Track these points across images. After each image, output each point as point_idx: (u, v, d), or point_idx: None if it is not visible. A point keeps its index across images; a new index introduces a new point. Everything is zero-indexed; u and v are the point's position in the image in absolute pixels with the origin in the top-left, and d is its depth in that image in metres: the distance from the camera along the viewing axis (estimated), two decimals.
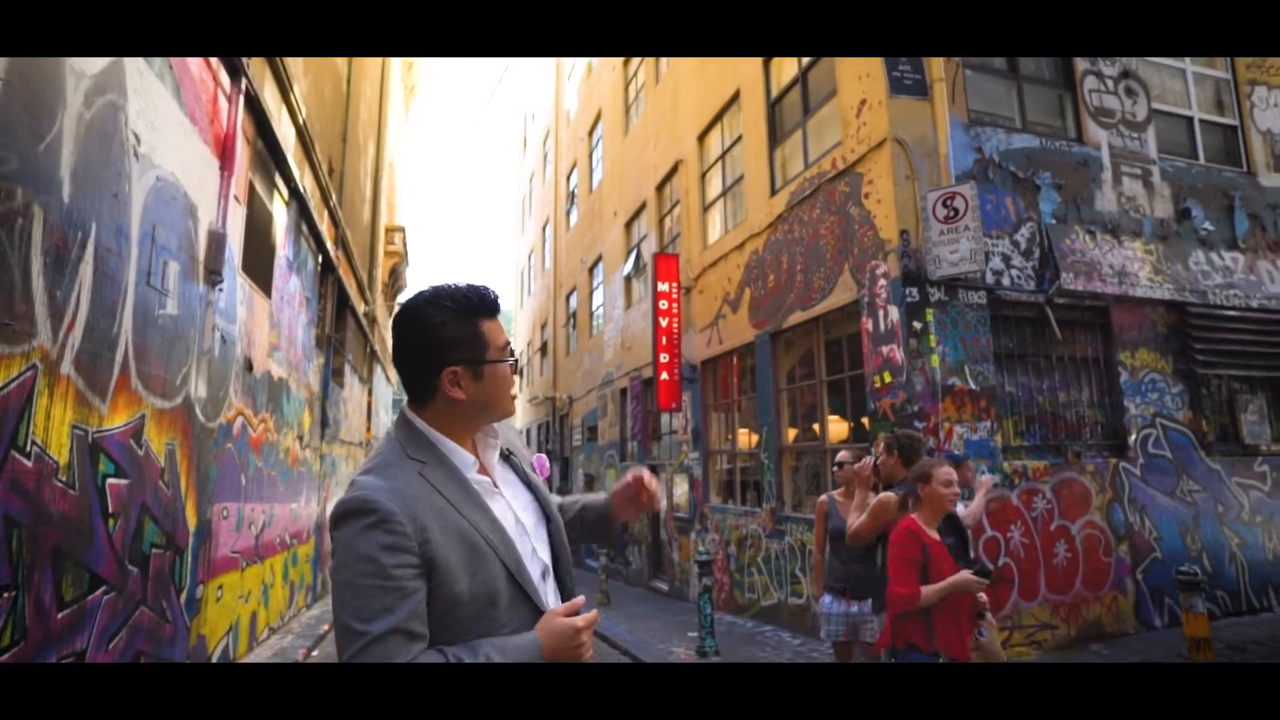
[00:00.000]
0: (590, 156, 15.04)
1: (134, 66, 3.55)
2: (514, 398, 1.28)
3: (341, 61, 10.44)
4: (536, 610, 1.16)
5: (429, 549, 1.07)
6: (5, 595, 2.59)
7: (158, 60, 3.86)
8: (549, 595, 1.22)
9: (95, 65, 3.17)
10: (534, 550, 1.24)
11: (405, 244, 18.29)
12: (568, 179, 17.04)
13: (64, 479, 3.00)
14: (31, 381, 2.75)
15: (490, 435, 1.29)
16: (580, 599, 1.19)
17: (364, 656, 0.99)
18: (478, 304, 1.21)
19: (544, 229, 19.60)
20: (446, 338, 1.18)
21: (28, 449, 2.73)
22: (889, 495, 3.08)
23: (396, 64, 17.77)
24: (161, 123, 3.92)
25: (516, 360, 1.28)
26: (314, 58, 8.27)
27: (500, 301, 1.27)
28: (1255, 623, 5.67)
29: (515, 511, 1.25)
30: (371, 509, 1.05)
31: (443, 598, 1.08)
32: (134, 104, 3.56)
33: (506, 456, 1.34)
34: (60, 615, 3.00)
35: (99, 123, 3.22)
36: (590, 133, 15.00)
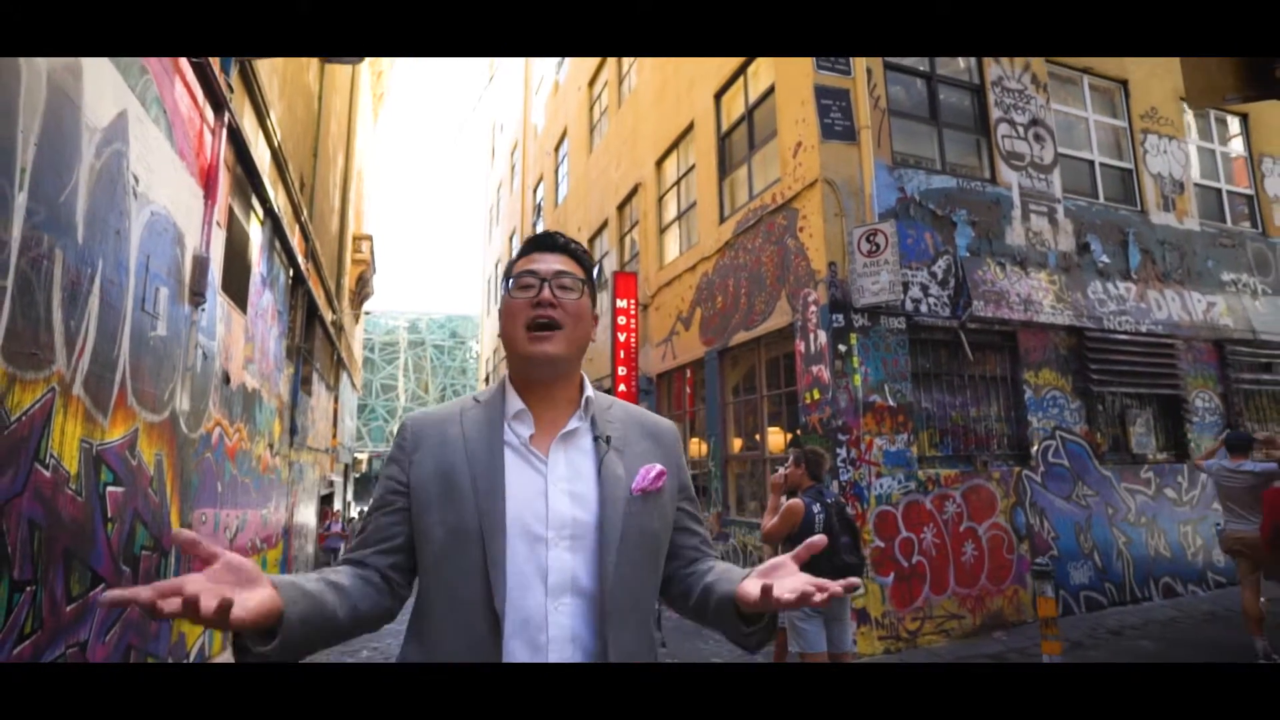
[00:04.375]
0: (556, 171, 15.51)
1: (135, 115, 3.94)
2: (531, 335, 1.10)
3: (314, 78, 10.74)
4: (486, 585, 1.01)
5: (411, 468, 1.11)
6: (28, 589, 2.99)
7: (154, 106, 4.25)
8: (558, 611, 1.03)
9: (105, 119, 3.57)
10: (543, 540, 1.05)
11: (372, 252, 18.51)
12: (534, 192, 17.47)
13: (74, 487, 3.39)
14: (50, 402, 3.14)
15: (557, 404, 1.15)
16: None
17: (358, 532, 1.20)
18: (530, 239, 1.21)
19: (511, 239, 19.98)
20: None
21: (47, 461, 3.12)
22: (796, 501, 3.65)
23: (366, 73, 17.99)
24: (156, 162, 4.31)
25: (517, 281, 1.14)
26: (289, 80, 8.60)
27: (558, 239, 1.19)
28: (1137, 610, 6.44)
29: (547, 488, 1.08)
30: (400, 425, 1.19)
31: (418, 526, 1.09)
32: (134, 149, 3.95)
33: (602, 440, 1.13)
34: (69, 609, 3.38)
35: (107, 170, 3.62)
36: (556, 149, 15.47)
